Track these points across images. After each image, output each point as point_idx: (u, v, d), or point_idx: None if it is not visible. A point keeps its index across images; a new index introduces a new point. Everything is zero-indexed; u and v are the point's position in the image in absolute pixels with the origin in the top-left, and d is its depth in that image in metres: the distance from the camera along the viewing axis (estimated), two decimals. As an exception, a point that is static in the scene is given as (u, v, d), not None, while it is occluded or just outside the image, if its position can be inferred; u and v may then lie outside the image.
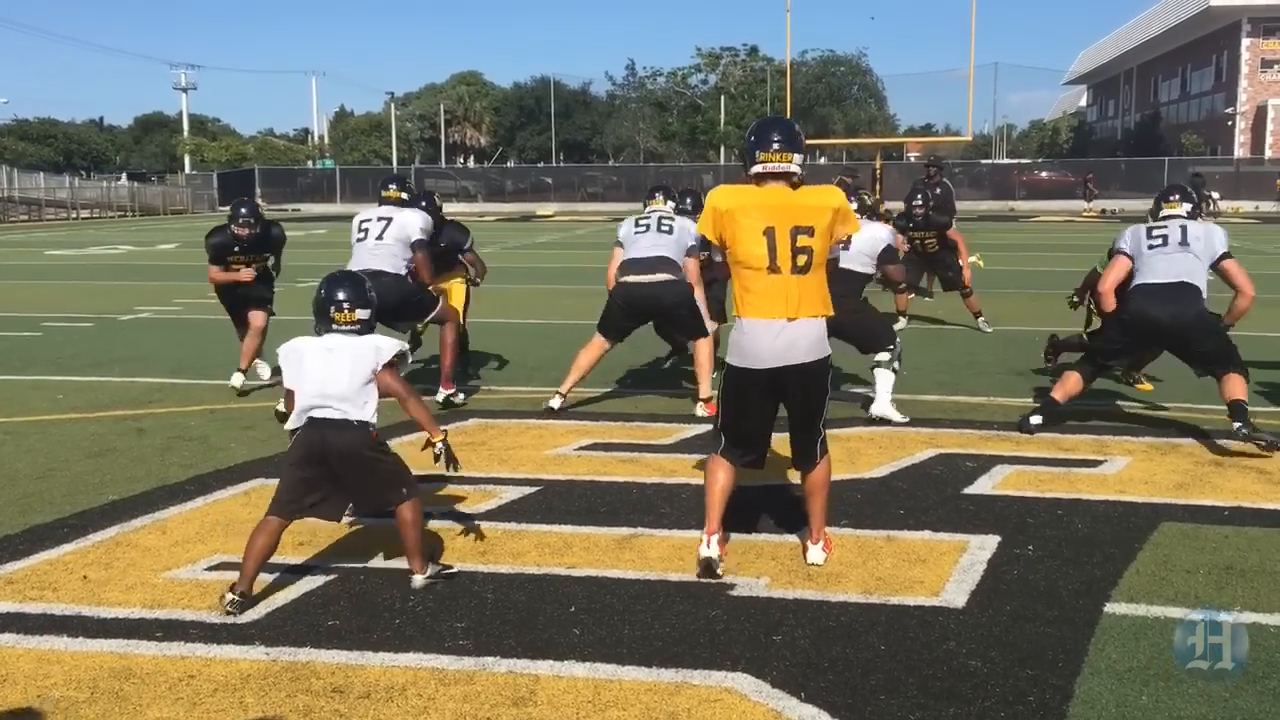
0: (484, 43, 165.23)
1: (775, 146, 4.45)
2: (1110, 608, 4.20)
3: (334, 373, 4.39)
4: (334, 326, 4.49)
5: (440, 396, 7.85)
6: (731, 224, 4.43)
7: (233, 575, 4.40)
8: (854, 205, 10.77)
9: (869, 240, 7.45)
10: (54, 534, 5.14)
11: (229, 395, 8.34)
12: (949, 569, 4.62)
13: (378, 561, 4.74)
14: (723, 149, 66.69)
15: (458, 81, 79.55)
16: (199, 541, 5.02)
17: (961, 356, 9.94)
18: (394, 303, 7.47)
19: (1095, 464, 6.28)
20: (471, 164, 76.04)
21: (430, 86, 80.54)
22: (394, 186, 8.18)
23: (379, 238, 7.70)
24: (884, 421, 7.28)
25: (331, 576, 4.55)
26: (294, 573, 4.60)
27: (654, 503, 5.57)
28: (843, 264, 7.29)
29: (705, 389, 7.57)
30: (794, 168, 4.47)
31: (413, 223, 7.80)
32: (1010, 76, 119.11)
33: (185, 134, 75.29)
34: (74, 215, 47.87)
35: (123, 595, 4.37)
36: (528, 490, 5.80)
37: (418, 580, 4.49)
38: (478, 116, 77.55)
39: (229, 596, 4.23)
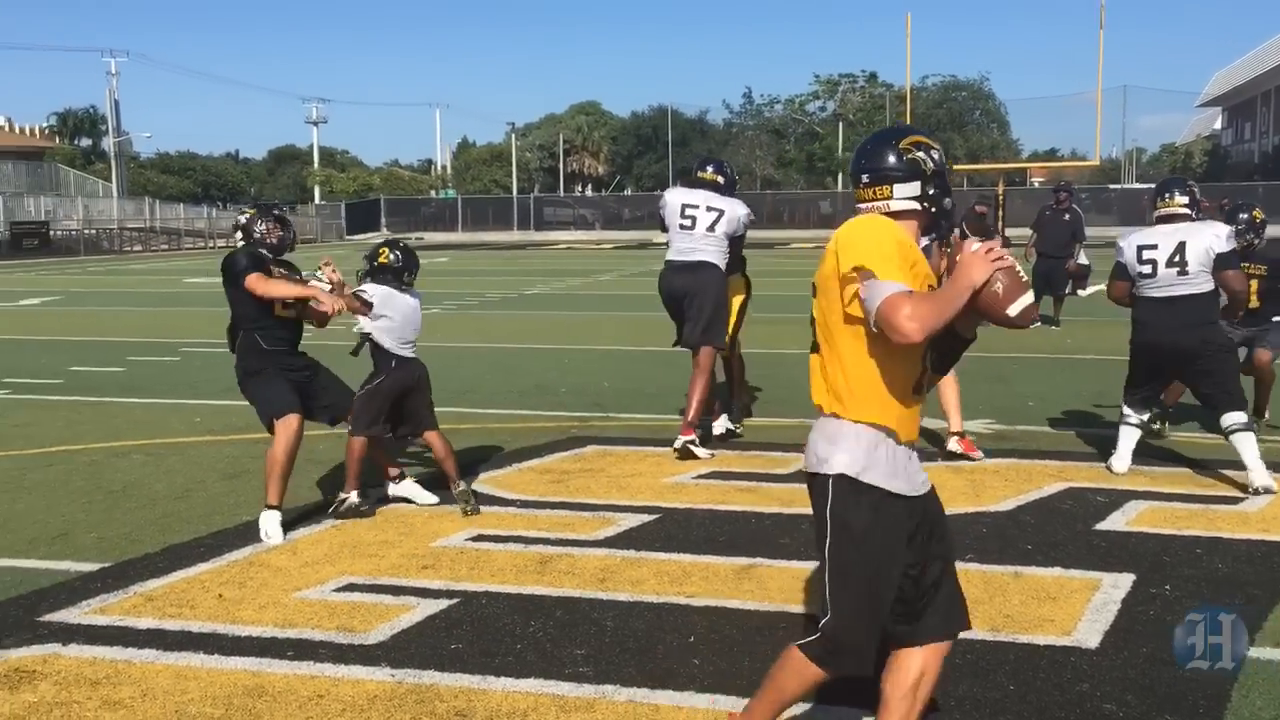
0: (603, 73, 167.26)
1: (865, 180, 3.06)
2: (1255, 652, 4.00)
3: (418, 324, 6.13)
4: (404, 285, 6.00)
5: (678, 443, 7.06)
6: None
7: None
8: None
9: (1201, 250, 6.13)
10: (191, 553, 5.33)
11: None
12: (1081, 607, 4.47)
13: (499, 586, 4.80)
14: (840, 176, 66.16)
15: (577, 111, 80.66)
16: (328, 563, 5.14)
17: (1091, 386, 9.60)
18: (704, 302, 7.21)
19: (1235, 501, 6.02)
20: (590, 192, 76.92)
21: (550, 117, 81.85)
22: (711, 169, 7.39)
23: (710, 229, 7.20)
24: (1263, 491, 6.00)
25: (454, 600, 4.62)
26: (417, 595, 4.68)
27: (773, 534, 5.51)
28: (1181, 290, 6.18)
29: (956, 422, 7.08)
30: (887, 203, 3.02)
31: (740, 217, 7.29)
32: (1140, 99, 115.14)
33: (315, 166, 77.91)
34: (211, 244, 49.78)
35: (256, 614, 4.51)
36: (646, 518, 5.81)
37: (353, 497, 5.89)
38: (596, 145, 78.45)
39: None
